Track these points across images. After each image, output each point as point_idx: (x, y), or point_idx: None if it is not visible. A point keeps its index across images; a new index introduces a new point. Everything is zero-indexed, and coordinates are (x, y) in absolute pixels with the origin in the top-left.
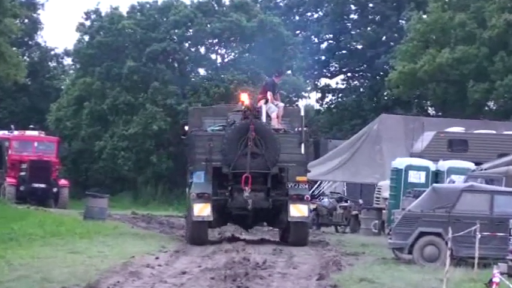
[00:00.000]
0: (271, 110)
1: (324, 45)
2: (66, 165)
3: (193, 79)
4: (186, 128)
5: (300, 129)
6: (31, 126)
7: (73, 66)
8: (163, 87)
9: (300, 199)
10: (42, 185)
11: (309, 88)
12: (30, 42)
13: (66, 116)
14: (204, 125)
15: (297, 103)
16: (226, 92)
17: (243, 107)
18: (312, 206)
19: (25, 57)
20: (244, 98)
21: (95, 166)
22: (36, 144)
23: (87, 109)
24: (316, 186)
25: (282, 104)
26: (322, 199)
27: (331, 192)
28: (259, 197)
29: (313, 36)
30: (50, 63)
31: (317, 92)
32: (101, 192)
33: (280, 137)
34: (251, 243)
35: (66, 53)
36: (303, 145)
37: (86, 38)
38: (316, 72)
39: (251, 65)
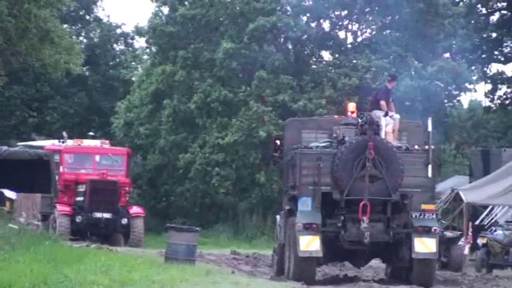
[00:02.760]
0: (386, 122)
1: (495, 17)
2: (139, 187)
3: (314, 66)
4: (278, 142)
5: (425, 147)
6: (91, 133)
7: (147, 50)
8: (272, 78)
9: (426, 232)
10: (107, 215)
11: (474, 77)
12: (87, 17)
13: (138, 118)
14: (302, 140)
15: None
16: (360, 83)
17: (360, 120)
18: (482, 241)
19: (81, 38)
20: (353, 108)
21: (179, 188)
22: (97, 158)
23: (167, 109)
24: (486, 213)
25: (397, 116)
26: (495, 231)
27: (507, 222)
28: (377, 228)
29: (479, 5)
30: (115, 45)
31: (486, 82)
32: (188, 224)
33: (403, 157)
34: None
35: (138, 31)
36: (430, 166)
37: (165, 10)
38: (484, 56)
39: (394, 45)
